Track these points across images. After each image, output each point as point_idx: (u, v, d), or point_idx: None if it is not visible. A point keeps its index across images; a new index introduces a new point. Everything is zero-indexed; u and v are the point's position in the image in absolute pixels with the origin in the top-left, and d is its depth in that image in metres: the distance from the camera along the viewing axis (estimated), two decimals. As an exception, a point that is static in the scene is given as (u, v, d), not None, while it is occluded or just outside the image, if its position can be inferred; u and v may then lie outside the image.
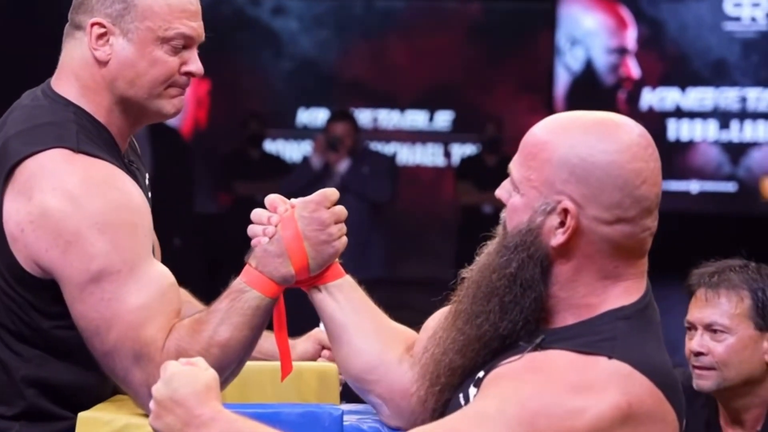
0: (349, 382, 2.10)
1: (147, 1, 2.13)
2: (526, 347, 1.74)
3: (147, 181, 2.29)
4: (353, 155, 7.46)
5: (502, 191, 1.82)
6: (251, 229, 2.07)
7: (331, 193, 2.09)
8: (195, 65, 2.19)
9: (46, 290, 2.06)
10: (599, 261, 1.74)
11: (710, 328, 2.90)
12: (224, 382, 1.94)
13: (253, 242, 2.07)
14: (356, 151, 7.47)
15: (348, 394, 2.38)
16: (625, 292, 1.75)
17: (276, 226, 2.04)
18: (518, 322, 1.75)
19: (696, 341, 2.86)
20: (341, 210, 2.08)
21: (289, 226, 2.04)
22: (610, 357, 1.69)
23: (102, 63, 2.12)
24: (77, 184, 2.03)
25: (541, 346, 1.74)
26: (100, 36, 2.12)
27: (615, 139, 1.75)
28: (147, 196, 2.22)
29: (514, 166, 1.80)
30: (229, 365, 2.01)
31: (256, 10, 11.64)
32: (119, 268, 2.02)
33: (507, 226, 1.80)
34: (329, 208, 2.06)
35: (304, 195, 2.11)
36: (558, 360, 1.70)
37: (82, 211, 2.01)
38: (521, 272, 1.75)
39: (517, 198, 1.78)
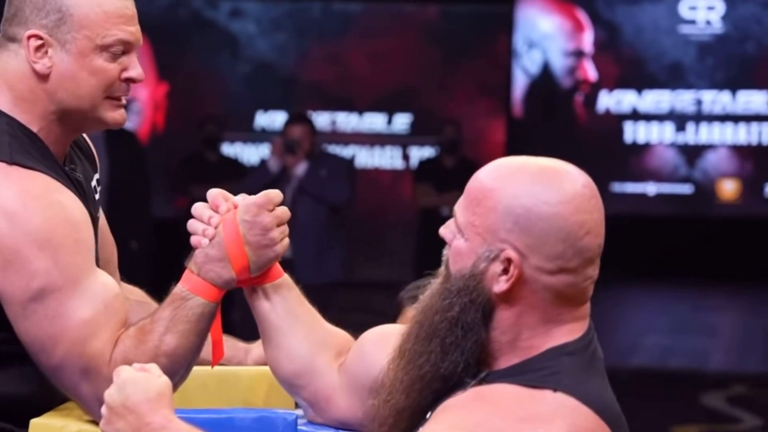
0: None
1: (82, 10, 2.07)
2: (471, 382, 1.76)
3: (96, 184, 2.26)
4: (311, 158, 7.44)
5: (446, 231, 1.81)
6: (191, 225, 2.04)
7: (275, 195, 2.04)
8: (135, 71, 2.12)
9: None
10: (542, 308, 1.75)
11: None
12: (173, 387, 1.92)
13: (192, 241, 2.04)
14: (314, 154, 7.45)
15: None
16: (568, 332, 1.77)
17: (216, 227, 2.01)
18: (459, 363, 1.76)
19: None
20: (284, 212, 2.04)
21: (230, 229, 2.01)
22: (555, 390, 1.71)
23: (42, 76, 2.07)
24: (13, 199, 1.98)
25: (486, 381, 1.75)
26: (38, 48, 2.06)
27: (559, 190, 1.75)
28: (94, 200, 2.20)
29: (459, 210, 1.79)
30: (177, 372, 1.99)
31: (213, 13, 11.60)
32: (61, 284, 1.98)
33: (450, 267, 1.80)
34: (272, 210, 2.03)
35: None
36: (504, 392, 1.72)
37: (19, 228, 1.97)
38: (463, 316, 1.75)
39: (462, 242, 1.78)
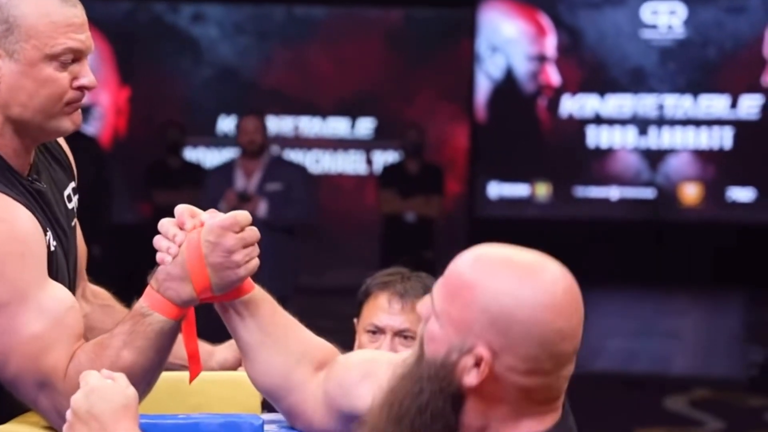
0: (262, 393, 2.08)
1: (30, 20, 2.03)
2: None
3: (71, 192, 2.22)
4: (265, 171, 7.30)
5: (423, 307, 1.79)
6: (156, 241, 2.01)
7: (242, 217, 2.01)
8: (87, 78, 2.09)
9: None
10: (513, 404, 1.74)
11: (402, 335, 2.84)
12: None
13: (157, 258, 2.01)
14: (268, 164, 7.34)
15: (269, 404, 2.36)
16: (540, 422, 1.76)
17: (180, 246, 1.99)
18: None
19: (387, 346, 2.79)
20: (251, 234, 2.01)
21: (192, 249, 1.98)
22: None
23: None
24: None
25: None
26: None
27: (539, 294, 1.73)
28: (65, 209, 2.18)
29: (437, 294, 1.78)
30: (135, 387, 1.96)
31: (174, 17, 11.55)
32: (8, 300, 1.95)
33: (424, 347, 1.78)
34: (238, 232, 2.00)
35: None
36: None
37: None
38: (432, 403, 1.74)
39: (437, 327, 1.76)
